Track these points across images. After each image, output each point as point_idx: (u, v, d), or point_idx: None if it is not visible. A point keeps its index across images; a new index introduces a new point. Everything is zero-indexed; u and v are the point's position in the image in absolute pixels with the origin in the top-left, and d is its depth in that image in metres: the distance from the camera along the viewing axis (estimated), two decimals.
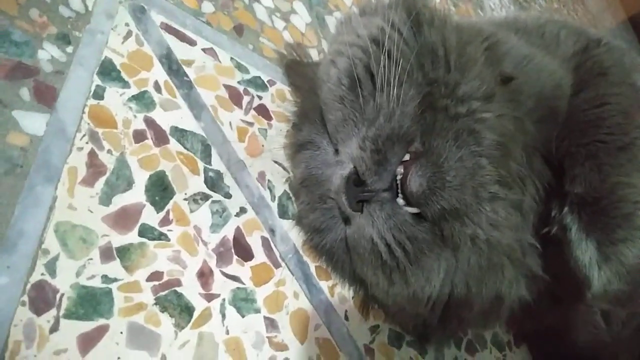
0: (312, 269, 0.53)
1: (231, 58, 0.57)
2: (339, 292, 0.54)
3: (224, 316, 0.44)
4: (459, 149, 0.43)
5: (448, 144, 0.42)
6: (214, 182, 0.49)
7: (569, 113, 0.54)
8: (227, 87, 0.55)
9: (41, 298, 0.35)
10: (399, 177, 0.43)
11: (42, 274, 0.36)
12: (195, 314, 0.42)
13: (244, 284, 0.47)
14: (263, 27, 0.63)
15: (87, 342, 0.36)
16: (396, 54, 0.44)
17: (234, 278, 0.46)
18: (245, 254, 0.48)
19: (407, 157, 0.43)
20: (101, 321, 0.37)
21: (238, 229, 0.49)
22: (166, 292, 0.41)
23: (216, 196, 0.48)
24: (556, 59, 0.59)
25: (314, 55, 0.67)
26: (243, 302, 0.46)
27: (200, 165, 0.49)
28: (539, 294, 0.53)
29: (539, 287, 0.54)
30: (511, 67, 0.51)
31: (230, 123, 0.53)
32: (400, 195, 0.43)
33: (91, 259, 0.38)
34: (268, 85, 0.60)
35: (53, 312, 0.35)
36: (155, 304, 0.40)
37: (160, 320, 0.40)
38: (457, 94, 0.45)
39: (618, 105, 0.52)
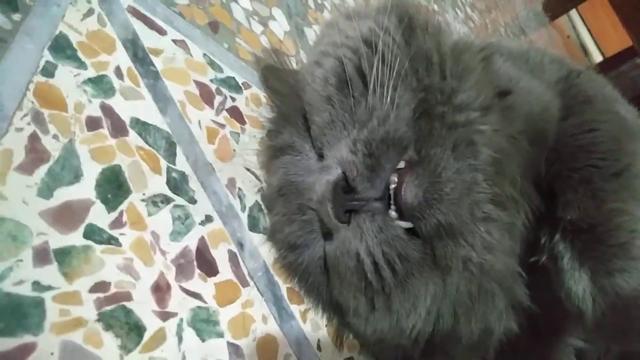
0: (284, 291, 0.47)
1: (204, 54, 0.52)
2: (311, 319, 0.48)
3: (180, 339, 0.37)
4: (456, 160, 0.39)
5: (446, 154, 0.39)
6: (177, 184, 0.43)
7: (557, 137, 0.52)
8: (198, 84, 0.50)
9: None
10: (392, 186, 0.38)
11: None
12: (147, 335, 0.35)
13: (206, 302, 0.40)
14: (240, 28, 0.59)
15: None
16: (389, 57, 0.41)
17: (195, 295, 0.39)
18: (209, 268, 0.42)
19: (401, 164, 0.39)
20: (27, 338, 0.30)
21: (202, 240, 0.42)
22: (112, 306, 0.34)
23: (179, 200, 0.42)
24: (542, 83, 0.57)
25: (292, 64, 0.63)
26: (204, 323, 0.39)
27: (163, 164, 0.42)
28: (520, 328, 0.49)
29: (521, 321, 0.50)
30: (505, 82, 0.48)
31: (199, 122, 0.48)
32: (392, 206, 0.38)
33: (21, 260, 0.31)
34: (243, 88, 0.55)
35: None
36: (98, 320, 0.33)
37: (103, 341, 0.33)
38: (454, 102, 0.41)
39: (607, 131, 0.51)
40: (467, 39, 0.46)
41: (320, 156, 0.43)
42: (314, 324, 0.48)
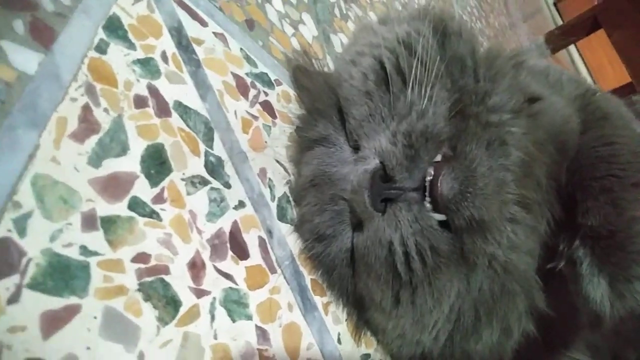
0: (308, 282, 0.48)
1: (241, 49, 0.54)
2: (333, 311, 0.49)
3: (213, 317, 0.37)
4: (490, 158, 0.40)
5: (480, 151, 0.40)
6: (214, 167, 0.43)
7: (578, 149, 0.53)
8: (235, 76, 0.51)
9: (3, 259, 0.28)
10: (428, 178, 0.39)
11: (9, 230, 0.29)
12: (182, 310, 0.35)
13: (237, 284, 0.40)
14: (273, 28, 0.61)
15: (53, 322, 0.29)
16: (426, 58, 0.42)
17: (227, 276, 0.40)
18: (240, 251, 0.42)
19: (438, 157, 0.40)
20: (73, 299, 0.30)
21: (235, 223, 0.43)
22: (152, 278, 0.35)
23: (215, 183, 0.43)
24: (562, 98, 0.59)
25: (320, 67, 0.65)
26: (235, 305, 0.39)
27: (202, 147, 0.43)
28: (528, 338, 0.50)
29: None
30: (534, 89, 0.50)
31: (235, 112, 0.49)
32: (427, 198, 0.40)
33: (70, 223, 0.32)
34: (275, 84, 0.56)
35: (15, 278, 0.28)
36: (139, 290, 0.33)
37: (142, 310, 0.33)
38: (487, 103, 0.43)
39: (626, 145, 0.53)
40: (498, 46, 0.48)
41: (356, 149, 0.44)
42: (335, 317, 0.49)
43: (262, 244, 0.44)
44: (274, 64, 0.57)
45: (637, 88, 2.05)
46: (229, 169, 0.45)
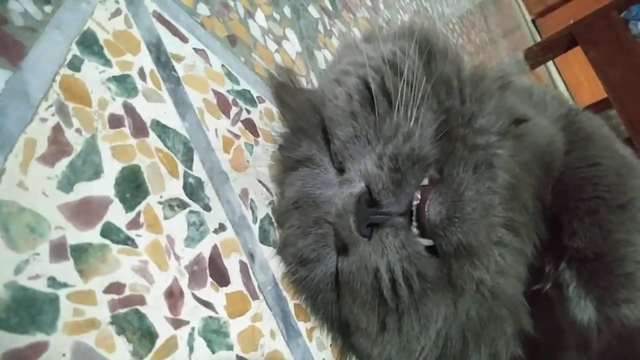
0: (291, 307, 0.46)
1: (222, 65, 0.52)
2: (317, 337, 0.47)
3: (191, 349, 0.35)
4: (477, 181, 0.40)
5: (467, 174, 0.39)
6: (193, 189, 0.42)
7: (563, 169, 0.53)
8: (216, 93, 0.50)
9: None
10: (415, 202, 0.38)
11: None
12: (158, 343, 0.33)
13: (217, 312, 0.38)
14: (256, 44, 0.59)
15: None
16: (412, 79, 0.42)
17: (207, 304, 0.38)
18: (221, 277, 0.40)
19: (425, 181, 0.39)
20: (39, 336, 0.28)
21: (215, 248, 0.41)
22: (126, 309, 0.33)
23: (195, 206, 0.41)
24: (547, 118, 0.59)
25: (303, 84, 0.64)
26: (215, 334, 0.37)
27: (181, 168, 0.42)
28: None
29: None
30: (520, 110, 0.50)
31: (216, 130, 0.47)
32: (415, 223, 0.39)
33: (38, 253, 0.30)
34: (257, 102, 0.55)
35: None
36: (112, 322, 0.31)
37: (115, 345, 0.31)
38: (474, 125, 0.43)
39: (610, 167, 0.53)
40: (483, 66, 0.48)
41: (340, 171, 0.43)
42: (319, 343, 0.47)
43: (243, 268, 0.43)
44: (256, 80, 0.56)
45: (613, 103, 2.09)
46: (209, 190, 0.43)
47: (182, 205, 0.40)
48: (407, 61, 0.43)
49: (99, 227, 0.33)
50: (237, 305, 0.40)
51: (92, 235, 0.33)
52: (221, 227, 0.43)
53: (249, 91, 0.54)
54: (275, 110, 0.56)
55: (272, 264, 0.46)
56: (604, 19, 2.30)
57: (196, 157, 0.44)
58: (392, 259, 0.38)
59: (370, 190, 0.38)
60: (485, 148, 0.41)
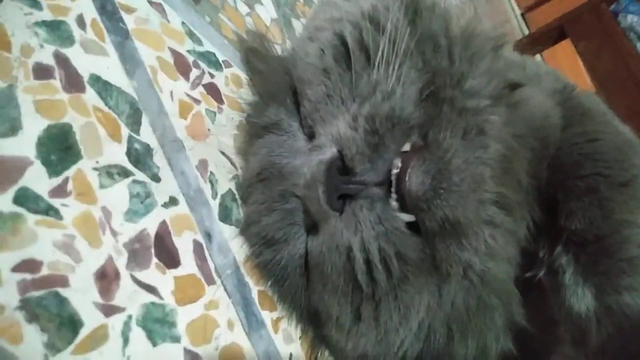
0: (255, 294, 0.40)
1: (183, 23, 0.46)
2: (284, 329, 0.42)
3: (126, 340, 0.30)
4: (466, 149, 0.34)
5: (455, 141, 0.34)
6: (139, 156, 0.36)
7: (559, 145, 0.48)
8: (174, 52, 0.44)
9: None
10: (395, 170, 0.33)
11: None
12: (83, 333, 0.28)
13: (162, 298, 0.33)
14: (224, 5, 0.54)
15: None
16: (394, 34, 0.36)
17: (150, 288, 0.32)
18: (169, 258, 0.35)
19: (406, 147, 0.34)
20: None
21: (163, 224, 0.35)
22: (42, 292, 0.27)
23: (140, 175, 0.35)
24: (541, 92, 0.55)
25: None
26: (158, 324, 0.32)
27: (125, 131, 0.36)
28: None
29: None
30: (516, 74, 0.45)
31: (171, 93, 0.41)
32: (393, 195, 0.33)
33: None
34: (223, 66, 0.49)
35: None
36: (20, 307, 0.26)
37: (23, 335, 0.25)
38: (463, 87, 0.37)
39: (611, 142, 0.48)
40: (476, 23, 0.42)
41: (311, 137, 0.38)
42: (286, 335, 0.41)
43: (197, 249, 0.37)
44: (223, 43, 0.50)
45: (600, 98, 2.07)
46: (159, 159, 0.37)
47: (124, 173, 0.34)
48: (389, 15, 0.38)
49: (11, 192, 0.28)
50: (187, 291, 0.35)
51: (3, 202, 0.27)
52: (172, 201, 0.37)
53: (214, 54, 0.48)
54: (244, 76, 0.50)
55: (234, 245, 0.40)
56: (594, 12, 2.27)
57: (145, 121, 0.38)
58: (367, 236, 0.33)
59: (342, 156, 0.33)
60: (475, 112, 0.36)
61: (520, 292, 0.42)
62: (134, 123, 0.37)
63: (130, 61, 0.39)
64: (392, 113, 0.33)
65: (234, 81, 0.49)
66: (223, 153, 0.44)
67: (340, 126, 0.34)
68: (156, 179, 0.36)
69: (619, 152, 0.47)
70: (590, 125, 0.51)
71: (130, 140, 0.36)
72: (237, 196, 0.43)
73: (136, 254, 0.32)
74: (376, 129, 0.33)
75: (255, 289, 0.41)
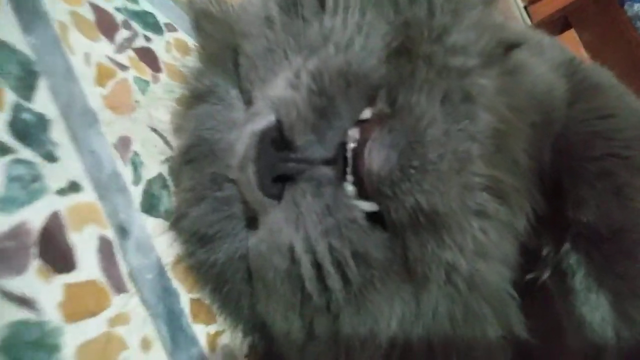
0: (185, 304, 0.33)
1: None
2: (223, 345, 0.34)
3: None
4: (448, 117, 0.27)
5: (433, 106, 0.26)
6: (28, 129, 0.28)
7: (565, 122, 0.41)
8: (95, 8, 0.36)
9: None
10: (351, 144, 0.25)
11: None
12: None
13: (40, 313, 0.25)
14: None
15: None
16: None
17: (22, 301, 0.24)
18: (59, 259, 0.27)
19: (367, 113, 0.26)
20: None
21: (55, 216, 0.27)
22: None
23: (25, 153, 0.27)
24: (544, 62, 0.47)
25: None
26: (31, 349, 0.24)
27: (10, 97, 0.28)
28: None
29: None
30: (513, 33, 0.37)
31: (86, 55, 0.33)
32: (349, 176, 0.25)
33: None
34: (165, 29, 0.41)
35: None
36: None
37: None
38: (446, 42, 0.29)
39: (627, 118, 0.40)
40: None
41: (249, 104, 0.30)
42: (227, 353, 0.34)
43: (105, 248, 0.29)
44: (166, 4, 0.42)
45: None
46: (58, 133, 0.29)
47: (3, 150, 0.26)
48: None
49: None
50: (83, 302, 0.27)
51: None
52: (72, 187, 0.29)
53: (153, 15, 0.40)
54: (192, 42, 0.42)
55: (159, 242, 0.32)
56: (598, 1, 2.20)
57: (43, 86, 0.30)
58: (313, 231, 0.25)
59: (280, 124, 0.25)
60: (461, 73, 0.28)
61: (520, 298, 0.34)
62: (25, 87, 0.29)
63: (28, 12, 0.31)
64: (347, 68, 0.25)
65: (178, 47, 0.41)
66: (155, 130, 0.36)
67: (278, 85, 0.26)
68: (51, 158, 0.28)
69: (636, 129, 0.39)
70: (602, 100, 0.43)
71: (17, 108, 0.28)
72: (169, 181, 0.35)
73: (5, 254, 0.24)
74: (324, 89, 0.25)
75: (187, 296, 0.33)
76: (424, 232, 0.26)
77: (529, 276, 0.38)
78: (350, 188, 0.25)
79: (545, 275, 0.38)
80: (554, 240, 0.37)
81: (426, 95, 0.26)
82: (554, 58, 0.48)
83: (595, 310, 0.35)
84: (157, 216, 0.33)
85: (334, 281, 0.26)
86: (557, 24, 2.31)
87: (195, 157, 0.30)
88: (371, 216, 0.26)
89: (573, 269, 0.35)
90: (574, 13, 2.23)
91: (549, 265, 0.37)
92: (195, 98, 0.32)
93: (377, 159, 0.24)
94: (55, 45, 0.32)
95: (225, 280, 0.32)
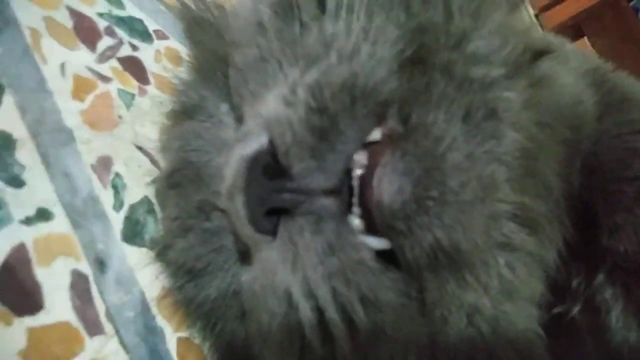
0: (172, 344, 0.29)
1: None
2: None
3: None
4: (470, 138, 0.23)
5: (454, 125, 0.23)
6: None
7: (596, 139, 0.37)
8: (75, 14, 0.33)
9: None
10: (358, 171, 0.22)
11: None
12: None
13: None
14: None
15: None
16: None
17: None
18: (22, 299, 0.23)
19: (376, 134, 0.22)
20: None
21: (19, 249, 0.24)
22: None
23: None
24: (570, 71, 0.43)
25: None
26: None
27: None
28: None
29: None
30: (541, 39, 0.33)
31: (62, 65, 0.30)
32: (356, 208, 0.22)
33: None
34: (154, 37, 0.38)
35: None
36: None
37: None
38: (466, 49, 0.26)
39: None
40: None
41: (240, 121, 0.26)
42: None
43: (78, 284, 0.26)
44: (157, 9, 0.39)
45: None
46: (26, 153, 0.26)
47: None
48: None
49: None
50: (51, 348, 0.23)
51: None
52: (41, 215, 0.26)
53: (141, 21, 0.37)
54: (184, 52, 0.39)
55: (143, 275, 0.29)
56: (613, 8, 2.16)
57: (9, 101, 0.27)
58: (312, 274, 0.21)
59: (273, 148, 0.22)
60: (484, 85, 0.25)
61: (547, 334, 0.31)
62: None
63: None
64: (352, 81, 0.22)
65: (169, 57, 0.38)
66: (140, 148, 0.32)
67: (271, 102, 0.22)
68: (16, 183, 0.25)
69: None
70: (636, 113, 0.39)
71: None
72: (155, 205, 0.31)
73: None
74: (325, 106, 0.21)
75: (173, 336, 0.29)
76: (443, 272, 0.22)
77: (556, 310, 0.34)
78: (356, 222, 0.22)
79: (575, 310, 0.34)
80: (586, 271, 0.33)
81: (444, 112, 0.23)
82: (579, 66, 0.44)
83: (635, 352, 0.31)
84: (140, 245, 0.30)
85: (339, 330, 0.23)
86: (569, 32, 2.27)
87: (180, 181, 0.27)
88: (382, 254, 0.22)
89: (608, 305, 0.32)
90: (587, 21, 2.20)
91: (579, 298, 0.34)
92: (182, 113, 0.29)
93: (388, 188, 0.21)
94: (24, 54, 0.29)
95: (218, 318, 0.29)
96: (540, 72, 0.31)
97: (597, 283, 0.32)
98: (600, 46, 2.18)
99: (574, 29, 2.31)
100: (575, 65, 0.45)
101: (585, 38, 2.23)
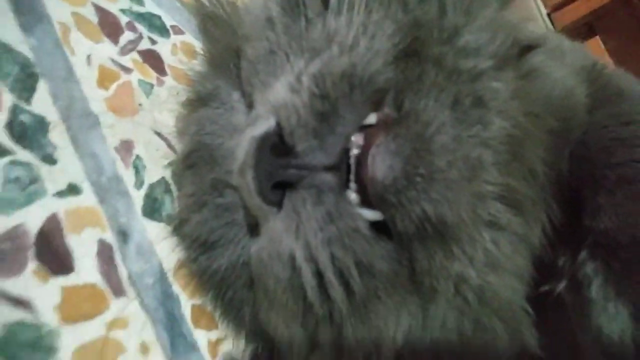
0: (186, 309, 0.32)
1: None
2: (225, 352, 0.33)
3: None
4: (458, 123, 0.26)
5: (442, 111, 0.25)
6: (26, 131, 0.28)
7: (586, 129, 0.39)
8: (99, 9, 0.36)
9: None
10: (354, 150, 0.24)
11: None
12: None
13: (37, 315, 0.25)
14: None
15: None
16: None
17: (18, 302, 0.24)
18: (56, 262, 0.26)
19: (371, 118, 0.25)
20: None
21: (53, 218, 0.27)
22: None
23: (24, 154, 0.27)
24: (564, 66, 0.45)
25: None
26: (27, 350, 0.24)
27: (7, 98, 0.28)
28: None
29: None
30: (529, 34, 0.35)
31: (88, 57, 0.33)
32: (352, 184, 0.25)
33: None
34: (171, 32, 0.41)
35: None
36: None
37: None
38: (457, 43, 0.28)
39: None
40: None
41: (251, 107, 0.29)
42: None
43: (104, 251, 0.29)
44: (174, 6, 0.42)
45: None
46: (58, 136, 0.29)
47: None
48: None
49: None
50: (81, 305, 0.26)
51: None
52: (72, 190, 0.29)
53: (159, 17, 0.40)
54: (198, 46, 0.42)
55: (161, 247, 0.32)
56: (625, 7, 2.14)
57: (43, 88, 0.30)
58: (314, 240, 0.24)
59: (280, 129, 0.24)
60: (472, 76, 0.27)
61: (534, 311, 0.33)
62: (24, 89, 0.29)
63: (28, 13, 0.31)
64: (351, 70, 0.24)
65: (185, 51, 0.41)
66: (158, 133, 0.35)
67: (279, 89, 0.25)
68: (50, 160, 0.28)
69: None
70: (625, 106, 0.41)
71: (16, 109, 0.28)
72: (172, 185, 0.34)
73: (2, 256, 0.24)
74: (327, 93, 0.24)
75: (187, 303, 0.32)
76: (431, 243, 0.25)
77: (543, 288, 0.36)
78: (353, 196, 0.24)
79: (561, 287, 0.36)
80: (570, 250, 0.35)
81: (435, 100, 0.25)
82: (575, 62, 0.46)
83: (613, 321, 0.33)
84: (159, 221, 0.33)
85: (337, 291, 0.25)
86: (581, 31, 2.25)
87: (196, 162, 0.30)
88: (375, 225, 0.25)
89: (590, 279, 0.34)
90: (600, 20, 2.18)
91: (564, 275, 0.36)
92: (198, 101, 0.32)
93: (381, 165, 0.23)
94: (56, 47, 0.32)
95: (228, 287, 0.31)
96: (530, 65, 0.33)
97: (581, 259, 0.34)
98: (612, 45, 2.16)
99: (586, 28, 2.30)
100: (571, 61, 0.47)
101: (598, 37, 2.22)
